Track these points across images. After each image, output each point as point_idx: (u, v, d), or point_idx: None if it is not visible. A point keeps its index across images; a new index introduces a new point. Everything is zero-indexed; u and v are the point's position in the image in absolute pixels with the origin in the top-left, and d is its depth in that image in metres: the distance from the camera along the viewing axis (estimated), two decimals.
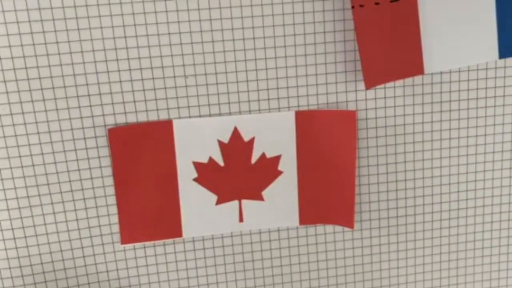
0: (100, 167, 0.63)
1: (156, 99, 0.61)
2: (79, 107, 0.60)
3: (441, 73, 0.65)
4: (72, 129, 0.61)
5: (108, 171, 0.63)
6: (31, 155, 0.61)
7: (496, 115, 0.67)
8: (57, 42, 0.58)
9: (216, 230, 0.66)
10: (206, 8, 0.59)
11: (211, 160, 0.64)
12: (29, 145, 0.60)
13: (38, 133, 0.60)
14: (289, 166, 0.65)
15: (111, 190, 0.64)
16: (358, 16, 0.59)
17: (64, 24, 0.57)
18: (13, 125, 0.59)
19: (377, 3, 0.59)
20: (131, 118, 0.61)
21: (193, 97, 0.62)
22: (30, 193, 0.62)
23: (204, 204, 0.65)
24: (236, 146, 0.64)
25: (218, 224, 0.66)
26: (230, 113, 0.63)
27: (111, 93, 0.60)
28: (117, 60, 0.59)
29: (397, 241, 0.70)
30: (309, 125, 0.64)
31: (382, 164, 0.67)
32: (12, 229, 0.63)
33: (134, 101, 0.61)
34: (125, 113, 0.61)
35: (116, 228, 0.65)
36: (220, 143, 0.63)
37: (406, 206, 0.69)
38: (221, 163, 0.64)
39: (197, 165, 0.64)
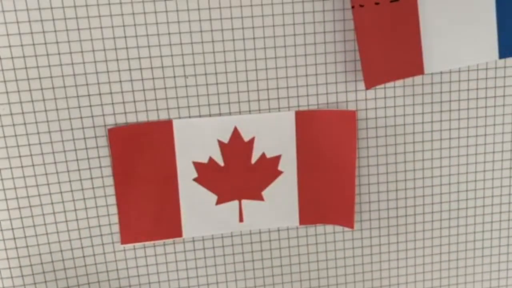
0: (100, 167, 0.63)
1: (156, 99, 0.61)
2: (79, 107, 0.60)
3: (441, 73, 0.65)
4: (72, 129, 0.61)
5: (108, 171, 0.63)
6: (31, 155, 0.61)
7: (496, 115, 0.67)
8: (57, 42, 0.58)
9: (216, 230, 0.66)
10: (206, 8, 0.59)
11: (211, 160, 0.64)
12: (29, 145, 0.60)
13: (38, 133, 0.60)
14: (289, 166, 0.65)
15: (111, 190, 0.64)
16: (358, 16, 0.59)
17: (64, 24, 0.57)
18: (13, 125, 0.59)
19: (377, 3, 0.59)
20: (131, 118, 0.61)
21: (193, 97, 0.62)
22: (30, 193, 0.62)
23: (204, 204, 0.65)
24: (236, 146, 0.64)
25: (218, 224, 0.66)
26: (230, 113, 0.63)
27: (111, 93, 0.60)
28: (117, 60, 0.59)
29: (397, 241, 0.70)
30: (309, 125, 0.64)
31: (382, 164, 0.67)
32: (12, 229, 0.63)
33: (134, 101, 0.61)
34: (125, 113, 0.61)
35: (116, 228, 0.65)
36: (220, 143, 0.63)
37: (406, 206, 0.69)
38: (221, 163, 0.64)
39: (197, 165, 0.64)
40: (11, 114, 0.59)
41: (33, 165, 0.61)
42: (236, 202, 0.66)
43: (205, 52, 0.60)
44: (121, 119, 0.61)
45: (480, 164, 0.69)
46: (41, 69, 0.58)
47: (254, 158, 0.64)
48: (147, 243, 0.66)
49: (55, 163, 0.61)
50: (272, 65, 0.62)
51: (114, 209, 0.64)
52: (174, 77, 0.61)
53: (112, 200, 0.64)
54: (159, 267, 0.67)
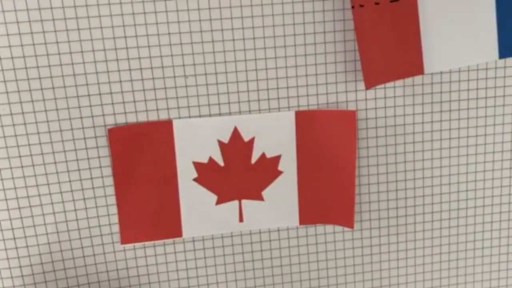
0: (100, 167, 0.63)
1: (156, 99, 0.61)
2: (79, 107, 0.60)
3: (441, 73, 0.65)
4: (72, 129, 0.61)
5: (108, 171, 0.63)
6: (31, 155, 0.61)
7: (496, 115, 0.67)
8: (57, 42, 0.58)
9: (216, 230, 0.66)
10: (206, 8, 0.59)
11: (211, 160, 0.64)
12: (29, 145, 0.60)
13: (38, 133, 0.60)
14: (289, 166, 0.65)
15: (111, 190, 0.64)
16: (358, 16, 0.59)
17: (64, 24, 0.57)
18: (13, 125, 0.59)
19: (377, 3, 0.59)
20: (131, 118, 0.61)
21: (193, 97, 0.62)
22: (30, 193, 0.62)
23: (204, 204, 0.65)
24: (236, 146, 0.64)
25: (218, 224, 0.66)
26: (230, 113, 0.63)
27: (111, 93, 0.60)
28: (117, 60, 0.59)
29: (397, 241, 0.70)
30: (309, 125, 0.64)
31: (382, 164, 0.67)
32: (12, 229, 0.63)
33: (134, 101, 0.61)
34: (125, 113, 0.61)
35: (116, 228, 0.65)
36: (220, 143, 0.63)
37: (406, 206, 0.69)
38: (221, 163, 0.64)
39: (197, 165, 0.64)
40: (11, 114, 0.59)
41: (33, 165, 0.61)
42: (236, 202, 0.66)
43: (205, 52, 0.60)
44: (121, 119, 0.61)
45: (480, 164, 0.69)
46: (41, 69, 0.58)
47: (254, 158, 0.64)
48: (147, 243, 0.66)
49: (55, 163, 0.61)
50: (272, 65, 0.62)
51: (114, 209, 0.64)
52: (174, 77, 0.61)
53: (112, 200, 0.64)
54: (159, 267, 0.67)
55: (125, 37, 0.59)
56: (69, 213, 0.63)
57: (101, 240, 0.65)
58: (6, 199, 0.61)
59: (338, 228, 0.69)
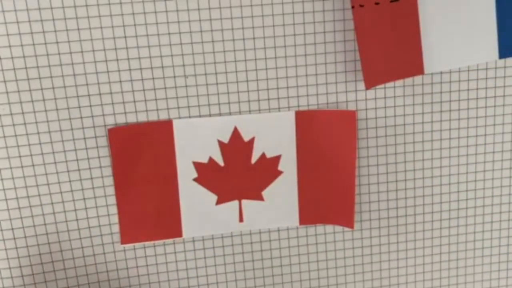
0: (100, 167, 0.63)
1: (156, 99, 0.61)
2: (79, 107, 0.60)
3: (441, 73, 0.65)
4: (72, 129, 0.61)
5: (108, 171, 0.63)
6: (31, 155, 0.61)
7: (496, 115, 0.67)
8: (57, 42, 0.58)
9: (216, 230, 0.66)
10: (206, 8, 0.59)
11: (211, 160, 0.64)
12: (29, 145, 0.60)
13: (38, 133, 0.60)
14: (289, 166, 0.65)
15: (111, 190, 0.64)
16: (358, 16, 0.59)
17: (64, 24, 0.57)
18: (13, 125, 0.59)
19: (377, 3, 0.59)
20: (131, 118, 0.61)
21: (193, 97, 0.62)
22: (30, 193, 0.62)
23: (204, 204, 0.65)
24: (236, 146, 0.64)
25: (218, 224, 0.66)
26: (230, 113, 0.63)
27: (111, 93, 0.60)
28: (117, 60, 0.59)
29: (397, 241, 0.70)
30: (309, 125, 0.64)
31: (382, 164, 0.67)
32: (12, 229, 0.63)
33: (134, 101, 0.61)
34: (125, 113, 0.61)
35: (116, 228, 0.65)
36: (220, 143, 0.63)
37: (406, 206, 0.69)
38: (221, 163, 0.64)
39: (197, 165, 0.64)
40: (11, 114, 0.59)
41: (33, 165, 0.61)
42: (236, 202, 0.66)
43: (205, 52, 0.60)
44: (121, 119, 0.61)
45: (480, 164, 0.69)
46: (41, 69, 0.58)
47: (254, 158, 0.64)
48: (147, 243, 0.66)
49: (55, 163, 0.61)
50: (272, 65, 0.62)
51: (114, 209, 0.64)
52: (174, 77, 0.61)
53: (112, 200, 0.64)
54: (159, 267, 0.67)
55: (125, 37, 0.59)
56: (69, 213, 0.63)
57: (101, 240, 0.65)
58: (6, 199, 0.61)
59: (338, 228, 0.69)
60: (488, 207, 0.71)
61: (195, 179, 0.64)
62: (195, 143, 0.63)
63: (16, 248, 0.63)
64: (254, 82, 0.62)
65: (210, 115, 0.63)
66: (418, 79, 0.65)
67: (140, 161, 0.63)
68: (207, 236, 0.67)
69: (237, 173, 0.65)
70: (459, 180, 0.69)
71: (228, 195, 0.65)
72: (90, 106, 0.60)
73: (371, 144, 0.66)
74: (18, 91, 0.59)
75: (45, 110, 0.60)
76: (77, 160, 0.62)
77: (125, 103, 0.61)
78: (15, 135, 0.60)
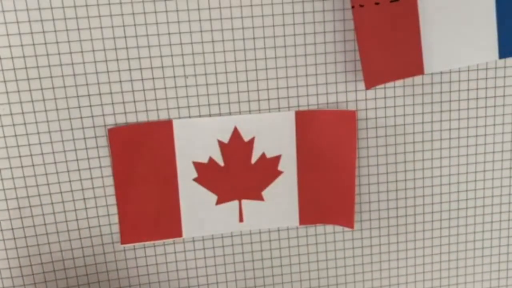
0: (100, 167, 0.63)
1: (156, 99, 0.61)
2: (79, 107, 0.60)
3: (441, 73, 0.65)
4: (72, 129, 0.61)
5: (108, 171, 0.63)
6: (31, 155, 0.61)
7: (496, 115, 0.67)
8: (57, 42, 0.58)
9: (216, 230, 0.66)
10: (206, 8, 0.59)
11: (211, 160, 0.64)
12: (29, 145, 0.60)
13: (38, 133, 0.60)
14: (289, 166, 0.65)
15: (111, 190, 0.64)
16: (358, 16, 0.59)
17: (64, 24, 0.57)
18: (13, 125, 0.59)
19: (377, 3, 0.59)
20: (131, 118, 0.61)
21: (193, 97, 0.62)
22: (30, 193, 0.62)
23: (204, 204, 0.65)
24: (236, 146, 0.64)
25: (218, 224, 0.66)
26: (230, 113, 0.63)
27: (111, 93, 0.60)
28: (117, 60, 0.59)
29: (397, 241, 0.70)
30: (309, 125, 0.64)
31: (382, 164, 0.67)
32: (12, 229, 0.63)
33: (134, 101, 0.61)
34: (125, 113, 0.61)
35: (116, 228, 0.65)
36: (220, 143, 0.63)
37: (406, 206, 0.69)
38: (221, 163, 0.64)
39: (197, 165, 0.64)
40: (11, 114, 0.59)
41: (33, 165, 0.61)
42: (236, 202, 0.66)
43: (205, 52, 0.60)
44: (121, 119, 0.61)
45: (480, 164, 0.69)
46: (41, 69, 0.58)
47: (254, 158, 0.64)
48: (147, 243, 0.66)
49: (55, 163, 0.61)
50: (272, 65, 0.62)
51: (114, 209, 0.64)
52: (174, 77, 0.61)
53: (112, 200, 0.64)
54: (159, 267, 0.67)
55: (125, 37, 0.59)
56: (69, 213, 0.63)
57: (101, 240, 0.65)
58: (6, 199, 0.61)
59: (338, 228, 0.69)
60: (488, 207, 0.71)
61: (195, 179, 0.64)
62: (195, 143, 0.63)
63: (16, 248, 0.63)
64: (254, 82, 0.62)
65: (210, 115, 0.63)
66: (418, 79, 0.65)
67: (140, 161, 0.63)
68: (207, 236, 0.67)
69: (237, 173, 0.65)
70: (459, 180, 0.69)
71: (228, 195, 0.65)
72: (90, 106, 0.60)
73: (371, 144, 0.66)
74: (18, 91, 0.59)
75: (45, 110, 0.60)
76: (77, 160, 0.62)
77: (125, 103, 0.61)
78: (15, 135, 0.60)
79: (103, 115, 0.61)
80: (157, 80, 0.61)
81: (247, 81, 0.62)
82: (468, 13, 0.61)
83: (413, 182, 0.68)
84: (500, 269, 0.74)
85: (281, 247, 0.69)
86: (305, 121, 0.64)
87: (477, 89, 0.66)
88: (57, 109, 0.60)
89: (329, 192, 0.66)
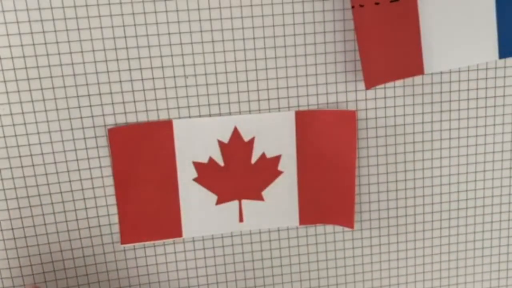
0: (100, 167, 0.63)
1: (156, 99, 0.61)
2: (79, 107, 0.60)
3: (441, 73, 0.65)
4: (72, 129, 0.61)
5: (108, 171, 0.63)
6: (31, 155, 0.61)
7: (496, 115, 0.67)
8: (57, 42, 0.58)
9: (216, 230, 0.66)
10: (206, 8, 0.59)
11: (211, 160, 0.64)
12: (29, 145, 0.60)
13: (38, 133, 0.60)
14: (289, 166, 0.65)
15: (111, 190, 0.64)
16: (358, 16, 0.59)
17: (64, 24, 0.57)
18: (13, 125, 0.59)
19: (377, 3, 0.59)
20: (131, 118, 0.61)
21: (193, 97, 0.62)
22: (30, 193, 0.62)
23: (204, 204, 0.65)
24: (236, 146, 0.64)
25: (218, 224, 0.66)
26: (230, 113, 0.63)
27: (111, 93, 0.60)
28: (117, 60, 0.59)
29: (397, 241, 0.70)
30: (309, 125, 0.64)
31: (382, 164, 0.67)
32: (12, 229, 0.63)
33: (134, 101, 0.61)
34: (125, 113, 0.61)
35: (116, 228, 0.65)
36: (220, 143, 0.63)
37: (406, 206, 0.69)
38: (221, 163, 0.64)
39: (197, 165, 0.64)
40: (11, 114, 0.59)
41: (33, 165, 0.61)
42: (236, 202, 0.66)
43: (205, 52, 0.60)
44: (121, 119, 0.61)
45: (480, 164, 0.69)
46: (41, 69, 0.58)
47: (254, 158, 0.64)
48: (147, 243, 0.66)
49: (55, 163, 0.61)
50: (272, 65, 0.62)
51: (114, 209, 0.64)
52: (174, 77, 0.61)
53: (112, 200, 0.64)
54: (159, 267, 0.67)
55: (125, 37, 0.59)
56: (69, 213, 0.63)
57: (101, 240, 0.65)
58: (6, 199, 0.61)
59: (338, 228, 0.69)
60: (488, 207, 0.71)
61: (195, 179, 0.64)
62: (195, 143, 0.63)
63: (16, 248, 0.63)
64: (254, 82, 0.62)
65: (210, 115, 0.63)
66: (418, 79, 0.65)
67: (140, 161, 0.63)
68: (207, 236, 0.67)
69: (237, 173, 0.65)
70: (459, 180, 0.69)
71: (228, 195, 0.65)
72: (90, 106, 0.60)
73: (371, 144, 0.66)
74: (18, 91, 0.59)
75: (45, 110, 0.60)
76: (77, 160, 0.62)
77: (125, 103, 0.61)
78: (15, 135, 0.60)
79: (103, 115, 0.61)
80: (157, 80, 0.61)
81: (247, 81, 0.62)
82: (468, 13, 0.61)
83: (413, 182, 0.68)
84: (500, 269, 0.74)
85: (281, 247, 0.69)
86: (305, 121, 0.64)
87: (477, 89, 0.66)
88: (57, 109, 0.60)
89: (329, 192, 0.66)
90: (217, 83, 0.62)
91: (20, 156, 0.60)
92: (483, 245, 0.72)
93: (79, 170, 0.62)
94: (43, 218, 0.63)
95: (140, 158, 0.63)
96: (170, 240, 0.66)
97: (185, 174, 0.64)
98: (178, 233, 0.66)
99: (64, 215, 0.63)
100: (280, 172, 0.65)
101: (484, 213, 0.71)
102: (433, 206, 0.70)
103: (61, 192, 0.63)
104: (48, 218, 0.63)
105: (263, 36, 0.61)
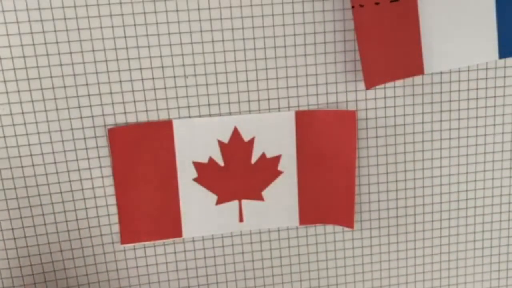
0: (100, 167, 0.63)
1: (156, 99, 0.61)
2: (79, 107, 0.60)
3: (441, 73, 0.65)
4: (72, 129, 0.61)
5: (108, 171, 0.63)
6: (31, 155, 0.61)
7: (496, 115, 0.67)
8: (57, 42, 0.58)
9: (216, 230, 0.66)
10: (206, 8, 0.59)
11: (211, 160, 0.64)
12: (29, 145, 0.60)
13: (38, 133, 0.60)
14: (289, 166, 0.65)
15: (111, 190, 0.64)
16: (358, 16, 0.59)
17: (64, 24, 0.57)
18: (13, 125, 0.59)
19: (377, 3, 0.59)
20: (131, 118, 0.61)
21: (193, 97, 0.62)
22: (30, 193, 0.62)
23: (204, 204, 0.65)
24: (236, 146, 0.64)
25: (218, 224, 0.66)
26: (230, 113, 0.63)
27: (111, 93, 0.60)
28: (117, 60, 0.59)
29: (397, 241, 0.70)
30: (309, 125, 0.64)
31: (382, 164, 0.67)
32: (12, 229, 0.63)
33: (134, 101, 0.61)
34: (125, 113, 0.61)
35: (116, 228, 0.65)
36: (220, 143, 0.63)
37: (406, 206, 0.69)
38: (221, 163, 0.64)
39: (197, 165, 0.64)
40: (11, 114, 0.59)
41: (33, 165, 0.61)
42: (236, 202, 0.66)
43: (205, 52, 0.60)
44: (121, 119, 0.61)
45: (480, 164, 0.69)
46: (41, 69, 0.58)
47: (254, 158, 0.64)
48: (147, 243, 0.66)
49: (55, 163, 0.61)
50: (272, 65, 0.62)
51: (114, 209, 0.64)
52: (174, 77, 0.61)
53: (112, 200, 0.64)
54: (159, 267, 0.67)
55: (125, 37, 0.59)
56: (69, 213, 0.63)
57: (101, 240, 0.65)
58: (6, 199, 0.61)
59: (338, 228, 0.69)
60: (488, 207, 0.71)
61: (195, 179, 0.64)
62: (195, 143, 0.63)
63: (16, 248, 0.63)
64: (254, 82, 0.62)
65: (210, 115, 0.63)
66: (418, 79, 0.65)
67: (140, 161, 0.63)
68: (207, 236, 0.67)
69: (237, 173, 0.65)
70: (459, 180, 0.69)
71: (228, 195, 0.65)
72: (90, 106, 0.60)
73: (371, 144, 0.66)
74: (18, 91, 0.59)
75: (45, 110, 0.60)
76: (77, 160, 0.62)
77: (125, 103, 0.61)
78: (15, 135, 0.60)
79: (103, 115, 0.61)
80: (157, 80, 0.61)
81: (247, 81, 0.62)
82: (468, 13, 0.61)
83: (413, 182, 0.68)
84: (500, 269, 0.74)
85: (281, 247, 0.69)
86: (305, 121, 0.64)
87: (477, 89, 0.66)
88: (57, 109, 0.60)
89: (329, 192, 0.66)
90: (217, 83, 0.62)
91: (20, 156, 0.60)
92: (483, 245, 0.72)
93: (79, 170, 0.62)
94: (43, 218, 0.63)
95: (140, 158, 0.63)
96: (170, 240, 0.66)
97: (185, 174, 0.64)
98: (178, 233, 0.66)
99: (64, 215, 0.63)
100: (280, 172, 0.65)
101: (484, 213, 0.71)
102: (433, 206, 0.70)
103: (61, 192, 0.63)
104: (48, 218, 0.63)
105: (263, 36, 0.61)
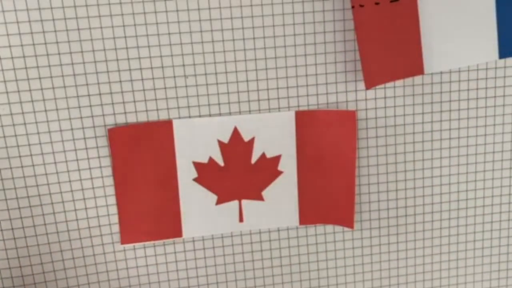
0: (100, 167, 0.63)
1: (156, 99, 0.61)
2: (79, 107, 0.60)
3: (441, 73, 0.65)
4: (72, 129, 0.61)
5: (108, 171, 0.63)
6: (31, 155, 0.61)
7: (496, 115, 0.67)
8: (57, 42, 0.58)
9: (216, 230, 0.66)
10: (206, 8, 0.59)
11: (211, 160, 0.64)
12: (29, 145, 0.60)
13: (38, 133, 0.60)
14: (289, 166, 0.65)
15: (111, 190, 0.64)
16: (358, 16, 0.59)
17: (64, 24, 0.57)
18: (13, 125, 0.59)
19: (377, 3, 0.59)
20: (131, 118, 0.62)
21: (193, 97, 0.62)
22: (30, 193, 0.62)
23: (204, 204, 0.65)
24: (236, 146, 0.64)
25: (218, 224, 0.66)
26: (230, 113, 0.63)
27: (111, 93, 0.60)
28: (117, 60, 0.59)
29: (397, 241, 0.70)
30: (309, 125, 0.64)
31: (382, 164, 0.67)
32: (12, 229, 0.63)
33: (134, 101, 0.61)
34: (125, 113, 0.61)
35: (116, 228, 0.65)
36: (220, 143, 0.63)
37: (406, 206, 0.69)
38: (221, 163, 0.64)
39: (197, 165, 0.64)
40: (11, 114, 0.59)
41: (33, 165, 0.61)
42: (236, 202, 0.66)
43: (205, 52, 0.60)
44: (121, 119, 0.61)
45: (480, 164, 0.69)
46: (41, 69, 0.58)
47: (254, 158, 0.64)
48: (147, 243, 0.66)
49: (55, 163, 0.61)
50: (272, 65, 0.62)
51: (114, 209, 0.64)
52: (174, 77, 0.61)
53: (112, 200, 0.64)
54: (159, 267, 0.67)
55: (125, 37, 0.59)
56: (69, 213, 0.63)
57: (101, 240, 0.65)
58: (6, 199, 0.61)
59: (338, 228, 0.69)
60: (488, 207, 0.71)
61: (195, 179, 0.64)
62: (195, 143, 0.63)
63: (16, 248, 0.63)
64: (254, 82, 0.62)
65: (210, 115, 0.63)
66: (418, 79, 0.65)
67: (140, 161, 0.63)
68: (207, 236, 0.67)
69: (237, 173, 0.65)
70: (459, 180, 0.69)
71: (228, 195, 0.65)
72: (90, 106, 0.60)
73: (371, 144, 0.66)
74: (18, 91, 0.59)
75: (45, 110, 0.60)
76: (77, 160, 0.62)
77: (125, 103, 0.61)
78: (15, 135, 0.60)
79: (103, 115, 0.61)
80: (157, 80, 0.61)
81: (247, 81, 0.62)
82: (468, 13, 0.61)
83: (413, 182, 0.68)
84: (500, 269, 0.74)
85: (281, 247, 0.69)
86: (305, 121, 0.64)
87: (477, 89, 0.66)
88: (57, 109, 0.60)
89: (329, 192, 0.66)
90: (217, 83, 0.62)
91: (20, 156, 0.60)
92: (483, 245, 0.72)
93: (79, 170, 0.62)
94: (43, 218, 0.63)
95: (140, 158, 0.63)
96: (170, 240, 0.66)
97: (185, 174, 0.64)
98: (178, 233, 0.66)
99: (64, 215, 0.63)
100: (280, 172, 0.65)
101: (484, 213, 0.71)
102: (433, 206, 0.70)
103: (61, 192, 0.63)
104: (48, 218, 0.63)
105: (263, 36, 0.61)
